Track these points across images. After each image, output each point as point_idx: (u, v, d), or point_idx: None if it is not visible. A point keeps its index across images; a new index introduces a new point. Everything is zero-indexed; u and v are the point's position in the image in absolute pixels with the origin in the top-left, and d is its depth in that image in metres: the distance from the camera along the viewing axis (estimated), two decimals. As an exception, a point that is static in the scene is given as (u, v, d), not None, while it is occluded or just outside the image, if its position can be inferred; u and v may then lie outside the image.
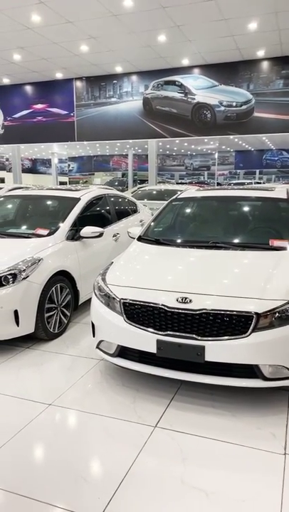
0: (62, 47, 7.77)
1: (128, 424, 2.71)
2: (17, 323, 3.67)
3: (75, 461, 2.37)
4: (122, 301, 3.01)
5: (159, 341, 2.80)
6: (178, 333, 2.78)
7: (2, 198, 5.49)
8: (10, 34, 7.08)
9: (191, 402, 2.95)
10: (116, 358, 3.09)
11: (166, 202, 4.75)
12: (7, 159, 24.68)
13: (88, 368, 3.50)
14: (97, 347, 3.25)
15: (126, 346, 2.99)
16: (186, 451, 2.45)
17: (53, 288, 4.03)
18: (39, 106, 10.56)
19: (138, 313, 2.94)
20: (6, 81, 10.44)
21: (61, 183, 27.48)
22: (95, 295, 3.32)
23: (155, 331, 2.84)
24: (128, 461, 2.37)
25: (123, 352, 3.05)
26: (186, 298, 2.82)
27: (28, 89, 10.65)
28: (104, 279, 3.34)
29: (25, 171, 26.33)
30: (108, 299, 3.14)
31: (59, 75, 9.87)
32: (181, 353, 2.77)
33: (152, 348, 2.83)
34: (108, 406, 2.93)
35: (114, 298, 3.08)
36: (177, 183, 22.12)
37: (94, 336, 3.31)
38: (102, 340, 3.18)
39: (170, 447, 2.49)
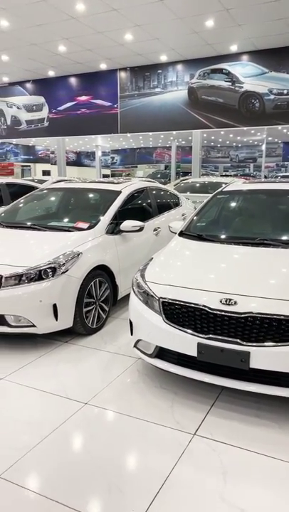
0: (107, 36, 7.66)
1: (165, 430, 2.58)
2: (56, 317, 3.63)
3: (109, 468, 2.27)
4: (161, 300, 2.87)
5: (200, 344, 2.63)
6: (220, 337, 2.59)
7: (46, 191, 5.50)
8: (55, 25, 7.05)
9: (234, 409, 2.76)
10: (154, 359, 2.95)
11: (210, 195, 4.53)
12: (52, 152, 25.14)
13: (125, 367, 3.40)
14: (135, 346, 3.14)
15: (165, 348, 2.85)
16: (226, 464, 2.28)
17: (92, 282, 3.96)
18: (83, 98, 10.56)
19: (178, 314, 2.78)
20: (51, 73, 10.51)
21: (104, 176, 27.68)
22: (134, 292, 3.20)
23: (196, 334, 2.67)
24: (164, 471, 2.23)
25: (162, 353, 2.91)
26: (230, 299, 2.63)
27: (73, 81, 10.67)
28: (143, 276, 3.21)
29: (70, 163, 26.74)
30: (147, 297, 3.01)
31: (103, 66, 9.79)
32: (223, 358, 2.59)
33: (193, 352, 2.67)
34: (145, 409, 2.81)
35: (153, 296, 2.94)
36: (221, 176, 21.58)
37: (132, 335, 3.19)
38: (139, 340, 3.06)
39: (210, 458, 2.33)
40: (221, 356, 2.59)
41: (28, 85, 11.25)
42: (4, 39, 7.75)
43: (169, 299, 2.83)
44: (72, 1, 6.05)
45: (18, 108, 11.44)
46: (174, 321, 2.79)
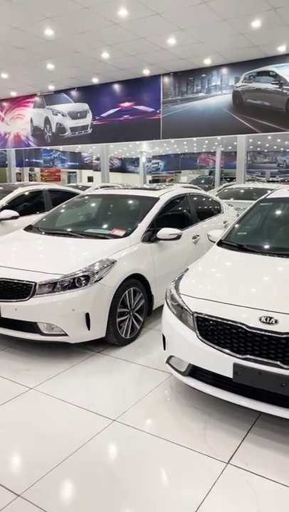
0: (150, 41, 7.60)
1: (197, 456, 2.39)
2: (88, 326, 3.54)
3: (135, 493, 2.12)
4: (195, 314, 2.69)
5: (236, 365, 2.43)
6: (259, 359, 2.38)
7: (85, 197, 5.48)
8: (98, 32, 7.09)
9: (272, 437, 2.53)
10: (187, 377, 2.77)
11: (253, 202, 4.29)
12: (97, 158, 25.57)
13: (158, 382, 3.24)
14: (167, 362, 2.97)
15: (198, 366, 2.66)
16: (263, 501, 2.06)
17: (126, 292, 3.85)
18: (126, 104, 10.58)
19: (213, 331, 2.59)
20: (94, 81, 10.63)
21: (152, 181, 27.69)
22: (167, 304, 3.04)
23: (232, 353, 2.47)
24: (193, 503, 2.05)
25: (195, 371, 2.73)
26: (270, 318, 2.41)
27: (116, 87, 10.73)
28: (177, 288, 3.04)
29: (114, 170, 27.08)
30: (181, 311, 2.84)
31: (146, 72, 9.76)
32: (261, 382, 2.37)
33: (228, 372, 2.47)
34: (176, 430, 2.64)
35: (187, 310, 2.77)
36: (268, 182, 20.91)
37: (164, 349, 3.03)
38: (172, 356, 2.89)
39: (244, 493, 2.12)
40: (258, 379, 2.37)
41: (73, 93, 11.44)
42: (50, 48, 7.91)
43: (204, 315, 2.65)
44: (115, 7, 6.04)
45: (63, 115, 11.67)
46: (208, 338, 2.60)
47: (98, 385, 3.22)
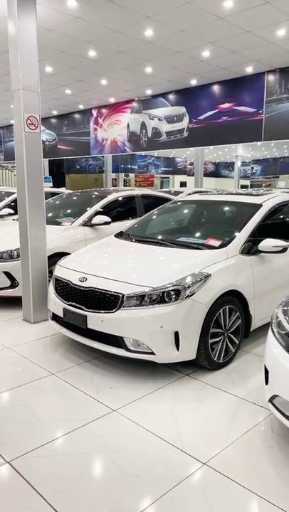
0: (256, 35, 7.03)
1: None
2: (177, 346, 3.19)
3: None
4: (311, 350, 2.17)
5: None
6: None
7: (179, 203, 5.17)
8: (200, 28, 6.75)
9: None
10: (296, 425, 2.26)
11: None
12: (191, 163, 25.27)
13: (256, 421, 2.76)
14: (270, 401, 2.48)
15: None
16: None
17: (221, 310, 3.42)
18: (225, 105, 10.08)
19: None
20: (193, 82, 10.31)
21: (242, 187, 26.69)
22: (272, 332, 2.56)
23: None
24: None
25: (307, 420, 2.21)
26: None
27: (215, 88, 10.29)
28: (286, 313, 2.54)
29: (208, 174, 26.54)
30: (290, 342, 2.34)
31: (249, 70, 9.16)
32: None
33: None
34: (278, 489, 2.15)
35: (299, 343, 2.26)
36: None
37: (267, 384, 2.55)
38: (276, 395, 2.40)
39: None
40: None
41: (171, 96, 11.27)
42: (148, 50, 7.79)
43: None
44: (220, -1, 5.67)
45: (159, 119, 11.57)
46: None
47: (186, 416, 2.84)
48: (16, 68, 4.33)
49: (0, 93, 11.27)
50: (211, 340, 3.36)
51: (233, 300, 3.53)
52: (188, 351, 3.25)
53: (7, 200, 7.94)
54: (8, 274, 5.01)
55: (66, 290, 3.66)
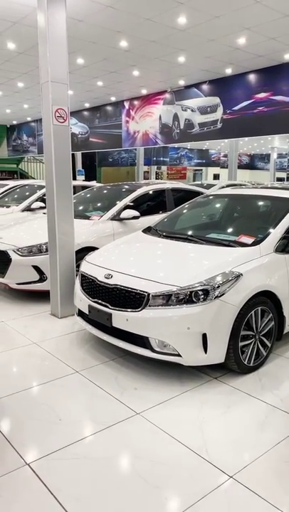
0: (296, 20, 6.66)
1: None
2: (205, 349, 3.05)
3: None
4: None
5: None
6: None
7: (211, 197, 4.99)
8: (236, 14, 6.42)
9: None
10: None
11: None
12: (225, 155, 24.71)
13: (288, 432, 2.59)
14: (304, 414, 2.30)
15: None
16: None
17: (252, 311, 3.25)
18: (261, 95, 9.66)
19: None
20: (228, 71, 9.93)
21: (278, 180, 25.92)
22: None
23: None
24: None
25: None
26: None
27: (251, 77, 9.89)
28: None
29: (242, 167, 25.91)
30: None
31: (287, 57, 8.74)
32: None
33: None
34: (313, 512, 1.98)
35: None
36: None
37: (301, 394, 2.37)
38: (312, 408, 2.22)
39: None
40: None
41: (204, 86, 10.95)
42: (182, 39, 7.54)
43: None
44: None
45: (192, 111, 11.28)
46: None
47: (213, 422, 2.71)
48: (45, 60, 4.26)
49: (34, 86, 11.35)
50: (241, 343, 3.20)
51: (266, 301, 3.34)
52: (217, 354, 3.10)
53: (39, 193, 7.95)
54: (37, 268, 5.01)
55: (92, 286, 3.58)
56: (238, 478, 2.21)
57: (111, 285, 3.37)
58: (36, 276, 5.02)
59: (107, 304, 3.36)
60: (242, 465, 2.31)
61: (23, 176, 20.50)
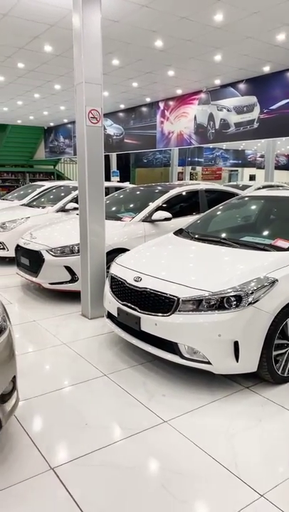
0: None
1: None
2: (236, 357, 2.93)
3: None
4: None
5: None
6: None
7: (246, 199, 4.83)
8: (275, 9, 6.20)
9: None
10: None
11: None
12: (262, 156, 24.14)
13: None
14: None
15: None
16: None
17: (288, 319, 3.09)
18: (301, 93, 9.37)
19: None
20: (266, 69, 9.66)
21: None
22: None
23: None
24: None
25: None
26: None
27: (290, 75, 9.58)
28: None
29: (280, 167, 25.23)
30: None
31: None
32: None
33: None
34: None
35: None
36: None
37: None
38: None
39: None
40: None
41: (241, 85, 10.70)
42: (218, 37, 7.38)
43: None
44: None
45: (228, 110, 11.05)
46: None
47: (243, 435, 2.59)
48: (80, 61, 4.26)
49: (70, 88, 11.49)
50: (275, 352, 3.05)
51: (303, 309, 3.17)
52: (249, 363, 2.97)
53: (73, 194, 8.01)
54: (68, 269, 5.03)
55: (121, 289, 3.54)
56: (270, 497, 2.09)
57: (140, 288, 3.31)
58: (68, 277, 5.04)
59: (136, 308, 3.31)
60: (274, 483, 2.18)
61: (60, 177, 20.88)
